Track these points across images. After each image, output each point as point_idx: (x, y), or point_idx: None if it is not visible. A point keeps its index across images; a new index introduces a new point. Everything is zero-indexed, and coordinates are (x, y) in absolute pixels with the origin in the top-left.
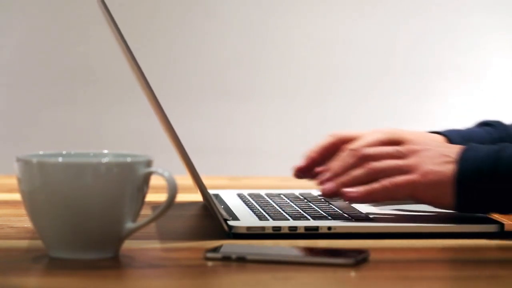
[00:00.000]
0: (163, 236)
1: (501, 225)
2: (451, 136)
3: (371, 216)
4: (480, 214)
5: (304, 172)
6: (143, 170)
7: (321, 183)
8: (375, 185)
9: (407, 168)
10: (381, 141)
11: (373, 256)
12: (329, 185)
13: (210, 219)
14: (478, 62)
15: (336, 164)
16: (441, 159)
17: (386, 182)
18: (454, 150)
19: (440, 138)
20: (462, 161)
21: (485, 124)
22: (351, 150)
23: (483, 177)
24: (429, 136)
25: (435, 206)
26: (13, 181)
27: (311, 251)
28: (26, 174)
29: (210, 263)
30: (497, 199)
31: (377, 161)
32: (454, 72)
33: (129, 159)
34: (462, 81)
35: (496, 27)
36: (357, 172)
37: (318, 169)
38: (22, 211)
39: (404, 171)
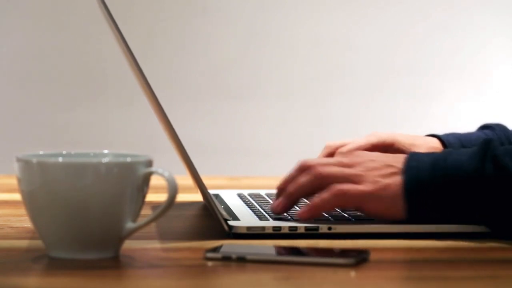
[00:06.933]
0: (163, 236)
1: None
2: (448, 140)
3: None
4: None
5: None
6: (143, 170)
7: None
8: (324, 195)
9: (354, 177)
10: (372, 144)
11: (373, 256)
12: (277, 202)
13: (210, 219)
14: (481, 64)
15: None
16: (387, 170)
17: (334, 188)
18: (399, 160)
19: (436, 141)
20: (407, 171)
21: (485, 127)
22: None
23: (427, 186)
24: (425, 139)
25: (387, 218)
26: (13, 181)
27: (311, 251)
28: (26, 174)
29: (210, 263)
30: (445, 208)
31: (322, 167)
32: (456, 74)
33: (129, 159)
34: (465, 82)
35: (498, 29)
36: (303, 178)
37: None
38: (22, 211)
39: (351, 181)
